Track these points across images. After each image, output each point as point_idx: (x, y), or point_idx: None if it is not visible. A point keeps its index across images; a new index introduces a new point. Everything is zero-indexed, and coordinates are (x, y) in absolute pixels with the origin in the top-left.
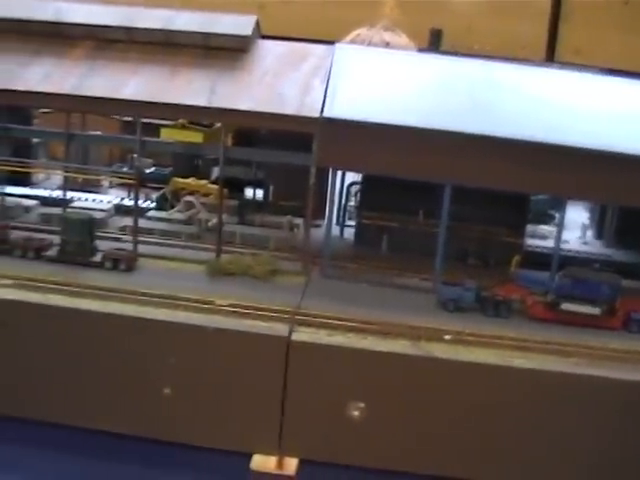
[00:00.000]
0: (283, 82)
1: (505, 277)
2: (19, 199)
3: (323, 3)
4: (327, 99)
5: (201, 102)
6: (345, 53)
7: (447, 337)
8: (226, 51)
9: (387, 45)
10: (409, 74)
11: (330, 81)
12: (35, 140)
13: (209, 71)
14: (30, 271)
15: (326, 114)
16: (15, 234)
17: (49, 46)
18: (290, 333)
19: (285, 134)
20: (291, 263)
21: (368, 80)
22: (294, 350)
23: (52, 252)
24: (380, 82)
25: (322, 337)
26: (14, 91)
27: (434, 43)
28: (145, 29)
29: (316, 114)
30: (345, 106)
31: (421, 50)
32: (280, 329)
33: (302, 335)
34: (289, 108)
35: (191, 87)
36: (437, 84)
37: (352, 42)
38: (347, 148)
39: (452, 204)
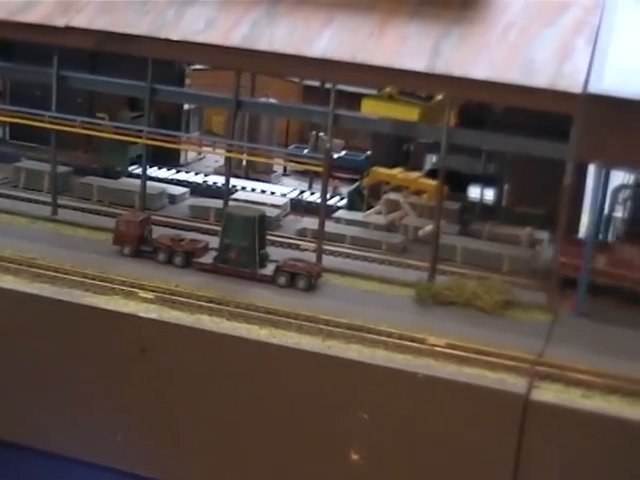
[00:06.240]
0: (533, 42)
1: None
2: (163, 185)
3: None
4: (594, 67)
5: (420, 66)
6: (621, 2)
7: None
8: None
9: None
10: None
11: (599, 42)
12: (186, 107)
13: (431, 24)
14: (177, 282)
15: (592, 89)
16: (159, 232)
17: None
18: (529, 390)
19: (531, 114)
20: (531, 293)
21: None
22: (534, 413)
23: (207, 258)
24: None
25: (573, 398)
26: (165, 41)
27: None
28: None
29: (578, 88)
30: (619, 78)
31: None
32: (515, 383)
33: (546, 394)
34: (541, 79)
35: (406, 45)
36: None
37: None
38: (620, 136)
39: None
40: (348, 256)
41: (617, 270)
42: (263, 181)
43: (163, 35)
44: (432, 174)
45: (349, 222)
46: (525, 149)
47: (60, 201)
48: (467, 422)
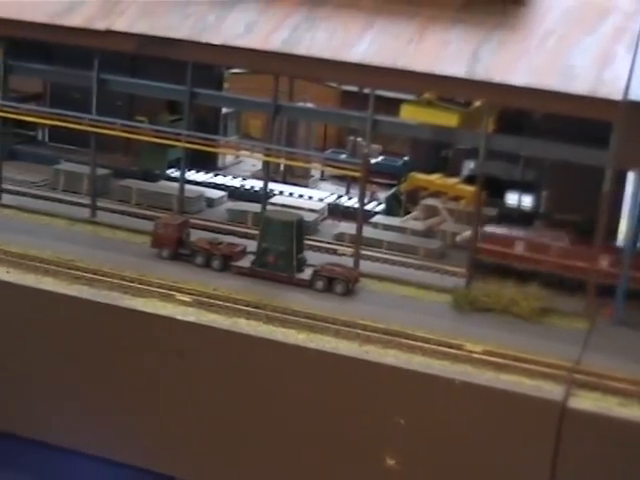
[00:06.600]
0: (573, 49)
1: None
2: (201, 188)
3: None
4: (635, 74)
5: (459, 72)
6: None
7: None
8: (495, 3)
9: None
10: None
11: None
12: (225, 111)
13: (471, 30)
14: (215, 286)
15: (633, 96)
16: (197, 235)
17: None
18: (566, 398)
19: (570, 121)
20: (569, 300)
21: None
22: (570, 421)
23: (244, 262)
24: None
25: (610, 406)
26: (206, 45)
27: None
28: None
29: (618, 95)
30: None
31: None
32: (552, 391)
33: (583, 402)
34: (580, 85)
35: (446, 51)
36: None
37: None
38: None
39: None
40: (385, 261)
41: None
42: (301, 185)
43: (204, 39)
44: (470, 180)
45: (386, 227)
46: (564, 156)
47: (99, 203)
48: (504, 429)
